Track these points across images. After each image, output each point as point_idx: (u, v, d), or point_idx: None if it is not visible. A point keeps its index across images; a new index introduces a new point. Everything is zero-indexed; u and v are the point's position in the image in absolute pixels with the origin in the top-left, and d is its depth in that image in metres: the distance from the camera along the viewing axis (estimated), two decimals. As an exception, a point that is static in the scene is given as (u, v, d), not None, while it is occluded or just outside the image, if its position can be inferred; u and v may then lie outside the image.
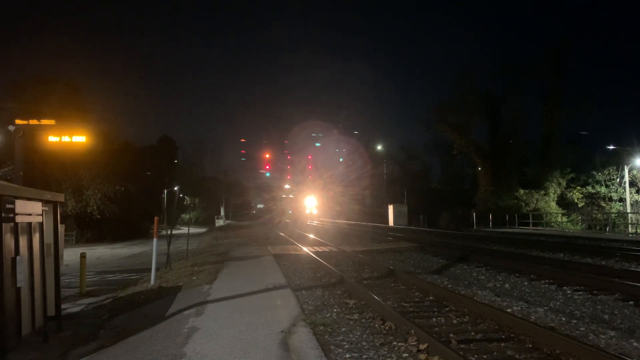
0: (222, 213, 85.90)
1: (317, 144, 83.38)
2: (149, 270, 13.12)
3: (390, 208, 51.50)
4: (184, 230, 24.43)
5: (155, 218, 14.15)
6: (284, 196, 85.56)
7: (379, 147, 67.01)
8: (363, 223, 52.93)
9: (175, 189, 19.00)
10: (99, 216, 35.60)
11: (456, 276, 12.23)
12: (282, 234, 33.57)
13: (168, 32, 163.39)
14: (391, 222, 49.69)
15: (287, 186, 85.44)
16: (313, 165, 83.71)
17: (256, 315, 7.46)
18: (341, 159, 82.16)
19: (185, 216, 70.30)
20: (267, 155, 77.55)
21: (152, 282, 12.38)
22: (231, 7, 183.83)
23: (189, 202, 78.29)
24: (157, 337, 6.70)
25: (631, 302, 8.21)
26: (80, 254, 13.00)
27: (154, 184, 44.14)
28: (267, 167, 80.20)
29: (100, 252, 26.04)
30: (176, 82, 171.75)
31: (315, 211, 72.34)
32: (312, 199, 73.24)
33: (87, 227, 36.36)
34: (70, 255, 19.42)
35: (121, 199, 37.97)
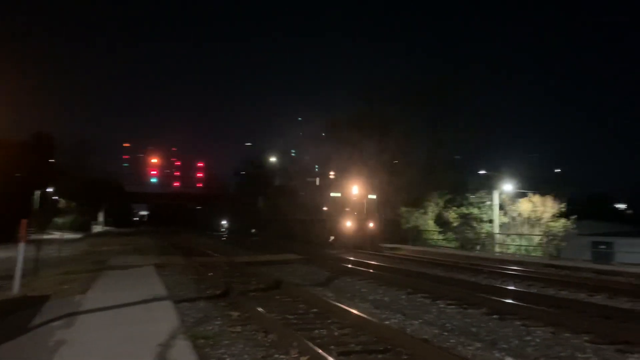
0: (101, 219, 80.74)
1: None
2: (13, 277, 11.93)
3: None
4: (57, 235, 22.58)
5: (24, 221, 12.93)
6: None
7: (272, 159, 67.12)
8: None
9: (49, 190, 17.57)
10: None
11: (340, 288, 12.51)
12: (167, 243, 32.28)
13: (54, 21, 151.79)
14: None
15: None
16: None
17: (132, 328, 7.06)
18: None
19: (59, 220, 65.19)
20: (154, 160, 74.23)
21: (15, 290, 11.26)
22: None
23: (64, 205, 72.76)
24: (19, 351, 6.09)
25: (495, 316, 8.92)
26: None
27: (24, 184, 40.54)
28: (154, 172, 76.64)
29: (-45, 257, 23.22)
30: (61, 75, 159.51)
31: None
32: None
33: (-62, 229, 32.30)
34: None
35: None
